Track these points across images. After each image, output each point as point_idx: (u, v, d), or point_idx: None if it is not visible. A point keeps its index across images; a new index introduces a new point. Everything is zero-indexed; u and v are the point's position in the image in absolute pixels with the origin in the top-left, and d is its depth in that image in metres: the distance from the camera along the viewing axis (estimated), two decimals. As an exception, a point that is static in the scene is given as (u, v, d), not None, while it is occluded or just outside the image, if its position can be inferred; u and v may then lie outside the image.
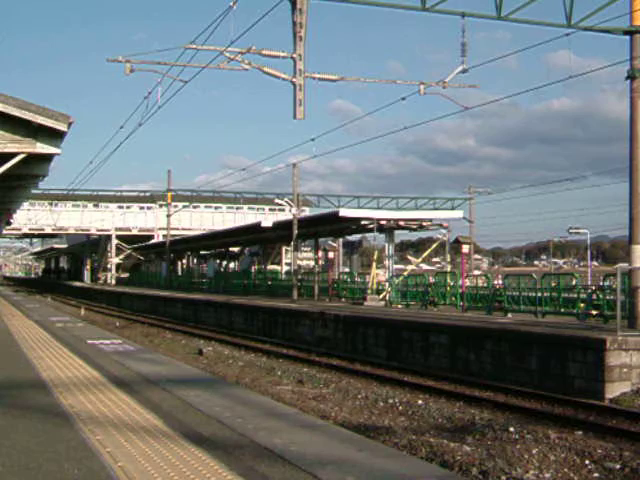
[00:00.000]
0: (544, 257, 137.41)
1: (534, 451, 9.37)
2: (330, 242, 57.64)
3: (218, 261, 58.89)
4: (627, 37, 17.35)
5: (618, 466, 9.06)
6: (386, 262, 34.19)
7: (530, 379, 15.57)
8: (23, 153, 14.02)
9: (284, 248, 54.01)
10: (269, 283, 43.97)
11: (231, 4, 16.46)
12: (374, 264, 34.49)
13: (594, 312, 21.99)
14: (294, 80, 16.89)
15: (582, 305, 22.77)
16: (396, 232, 34.78)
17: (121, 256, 71.98)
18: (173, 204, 57.89)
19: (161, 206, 66.76)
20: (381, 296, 31.82)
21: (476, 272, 53.23)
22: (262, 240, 47.22)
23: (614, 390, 13.83)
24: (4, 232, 52.86)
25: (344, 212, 33.67)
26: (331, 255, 41.62)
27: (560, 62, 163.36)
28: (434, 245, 49.61)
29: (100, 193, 72.24)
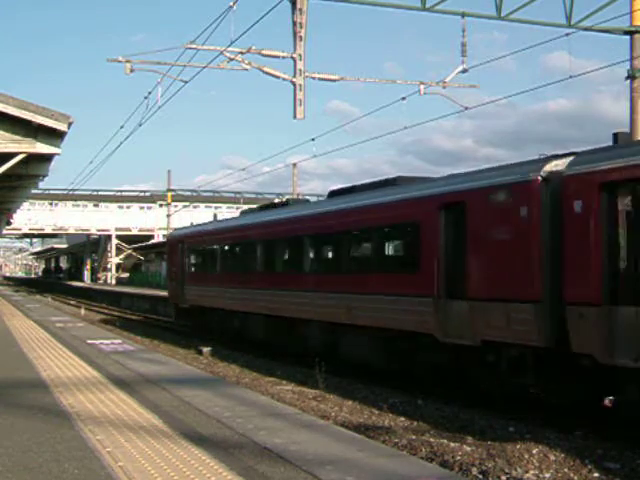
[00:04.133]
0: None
1: (534, 451, 9.35)
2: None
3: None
4: (627, 37, 17.38)
5: (618, 466, 9.06)
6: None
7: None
8: (23, 153, 14.03)
9: (284, 248, 53.97)
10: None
11: (231, 4, 16.47)
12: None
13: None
14: (294, 80, 16.90)
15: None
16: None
17: (121, 256, 72.02)
18: (173, 204, 57.92)
19: (161, 206, 66.84)
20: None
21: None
22: (262, 240, 47.17)
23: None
24: (4, 232, 52.88)
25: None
26: (331, 255, 41.61)
27: (557, 63, 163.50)
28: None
29: (100, 193, 72.39)
